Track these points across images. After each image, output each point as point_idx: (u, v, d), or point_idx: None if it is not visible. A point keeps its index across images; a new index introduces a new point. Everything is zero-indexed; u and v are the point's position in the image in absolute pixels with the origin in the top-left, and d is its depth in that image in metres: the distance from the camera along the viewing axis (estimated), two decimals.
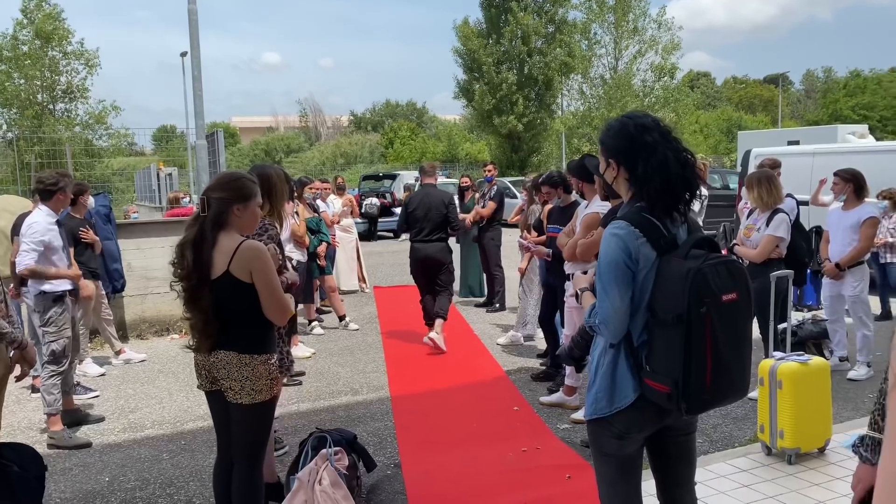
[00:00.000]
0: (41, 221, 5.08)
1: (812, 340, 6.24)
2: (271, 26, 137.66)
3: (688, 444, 2.47)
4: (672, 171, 2.26)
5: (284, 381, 4.41)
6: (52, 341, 5.02)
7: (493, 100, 33.84)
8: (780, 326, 5.31)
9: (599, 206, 4.72)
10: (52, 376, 4.98)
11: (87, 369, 6.66)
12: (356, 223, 11.72)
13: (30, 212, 5.81)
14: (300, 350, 7.13)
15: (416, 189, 8.63)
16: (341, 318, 8.51)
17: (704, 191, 7.40)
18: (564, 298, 5.30)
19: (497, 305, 9.17)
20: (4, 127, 29.06)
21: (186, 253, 2.97)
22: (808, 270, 6.52)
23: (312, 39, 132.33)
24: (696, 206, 2.44)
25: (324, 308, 9.33)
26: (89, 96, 29.69)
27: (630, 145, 2.31)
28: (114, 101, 34.62)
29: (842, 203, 6.13)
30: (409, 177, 22.05)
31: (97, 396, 6.07)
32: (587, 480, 3.88)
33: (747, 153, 11.73)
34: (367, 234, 18.96)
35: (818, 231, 7.02)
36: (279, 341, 3.92)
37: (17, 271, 5.04)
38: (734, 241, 5.78)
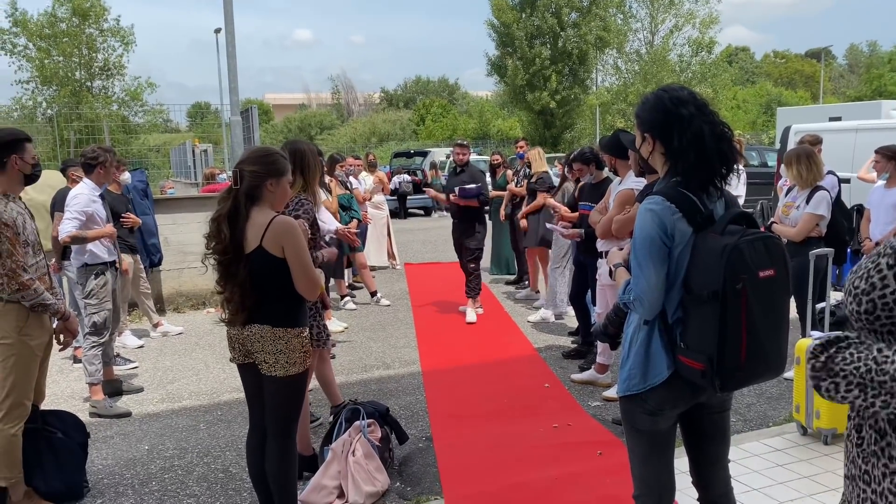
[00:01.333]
0: (85, 193, 5.20)
1: None
2: (302, 2, 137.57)
3: (722, 422, 2.45)
4: (707, 144, 2.22)
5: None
6: (94, 313, 5.15)
7: (527, 75, 33.47)
8: (819, 306, 5.21)
9: (633, 183, 4.66)
10: (93, 347, 5.12)
11: (126, 341, 6.83)
12: (387, 200, 11.75)
13: (68, 187, 5.94)
14: (333, 324, 7.21)
15: (448, 165, 8.70)
16: (373, 293, 8.58)
17: (741, 167, 7.25)
18: (596, 276, 5.27)
19: (527, 283, 9.15)
20: (44, 104, 29.62)
21: (223, 227, 2.99)
22: (849, 249, 6.38)
23: (343, 15, 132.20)
24: (733, 181, 2.38)
25: (355, 284, 9.42)
26: (125, 73, 30.13)
27: (665, 118, 2.27)
28: (149, 78, 35.14)
29: (884, 181, 5.97)
30: (440, 154, 21.99)
31: (136, 367, 6.23)
32: (619, 457, 3.88)
33: (786, 130, 11.47)
34: (398, 212, 19.01)
35: (859, 209, 6.85)
36: (315, 315, 3.98)
37: (59, 239, 5.16)
38: (772, 220, 5.67)
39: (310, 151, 4.07)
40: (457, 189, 7.31)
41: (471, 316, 7.50)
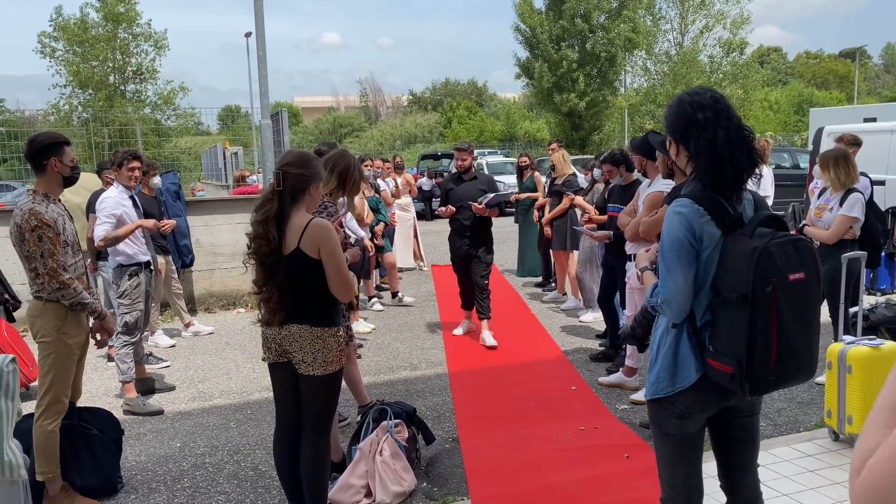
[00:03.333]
0: (112, 196, 5.33)
1: (885, 325, 6.01)
2: (331, 6, 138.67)
3: (751, 427, 2.43)
4: (719, 150, 2.22)
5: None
6: (126, 313, 5.26)
7: (554, 77, 33.33)
8: (852, 310, 5.14)
9: (663, 185, 4.62)
10: (124, 346, 5.23)
11: (158, 340, 6.96)
12: (413, 202, 11.80)
13: (102, 189, 6.07)
14: (360, 325, 7.27)
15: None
16: (394, 294, 8.61)
17: (765, 170, 7.12)
18: (626, 279, 5.24)
19: (554, 285, 9.12)
20: (80, 108, 30.27)
21: (271, 229, 3.05)
22: (883, 253, 6.26)
23: (371, 18, 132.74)
24: (752, 185, 2.37)
25: (383, 285, 9.46)
26: (158, 77, 30.70)
27: (685, 122, 2.29)
28: (181, 82, 35.78)
29: None
30: None
31: (168, 366, 6.34)
32: (646, 460, 3.87)
33: (819, 131, 11.29)
34: (425, 213, 19.07)
35: (894, 212, 6.73)
36: (342, 315, 4.03)
37: (95, 244, 5.29)
38: (804, 222, 5.59)
39: (355, 164, 4.14)
40: (489, 197, 6.43)
41: (491, 339, 6.62)
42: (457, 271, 6.86)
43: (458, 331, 7.09)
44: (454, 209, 6.61)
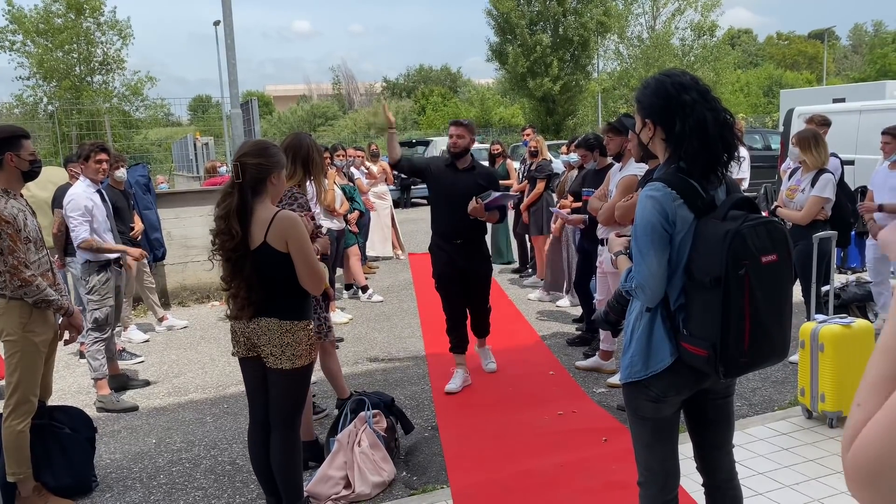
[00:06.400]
0: (79, 192, 5.21)
1: (856, 303, 6.11)
2: None
3: (726, 408, 2.44)
4: (710, 131, 2.20)
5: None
6: (96, 309, 5.16)
7: (528, 62, 33.32)
8: (823, 289, 5.20)
9: (636, 168, 4.63)
10: (95, 342, 5.14)
11: (131, 336, 6.85)
12: (390, 190, 11.72)
13: (69, 183, 5.93)
14: (337, 316, 7.21)
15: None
16: (348, 286, 8.50)
17: (744, 152, 7.19)
18: (598, 263, 5.25)
19: (530, 271, 9.14)
20: (45, 100, 29.57)
21: (233, 223, 2.96)
22: (853, 232, 6.35)
23: (341, 5, 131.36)
24: (734, 168, 2.36)
25: (366, 275, 9.35)
26: (125, 67, 30.06)
27: (667, 104, 2.25)
28: (148, 72, 35.09)
29: (889, 162, 5.92)
30: (442, 143, 21.95)
31: (142, 362, 6.25)
32: (623, 443, 3.88)
33: (790, 112, 11.40)
34: (401, 201, 19.00)
35: (863, 191, 6.81)
36: (317, 307, 3.98)
37: (76, 245, 5.16)
38: (776, 204, 5.64)
39: (313, 145, 4.07)
40: (492, 195, 4.88)
41: (491, 363, 5.57)
42: (442, 291, 5.22)
43: (453, 386, 5.11)
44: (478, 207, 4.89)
